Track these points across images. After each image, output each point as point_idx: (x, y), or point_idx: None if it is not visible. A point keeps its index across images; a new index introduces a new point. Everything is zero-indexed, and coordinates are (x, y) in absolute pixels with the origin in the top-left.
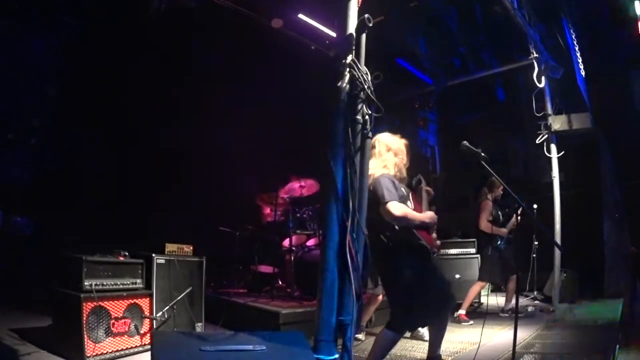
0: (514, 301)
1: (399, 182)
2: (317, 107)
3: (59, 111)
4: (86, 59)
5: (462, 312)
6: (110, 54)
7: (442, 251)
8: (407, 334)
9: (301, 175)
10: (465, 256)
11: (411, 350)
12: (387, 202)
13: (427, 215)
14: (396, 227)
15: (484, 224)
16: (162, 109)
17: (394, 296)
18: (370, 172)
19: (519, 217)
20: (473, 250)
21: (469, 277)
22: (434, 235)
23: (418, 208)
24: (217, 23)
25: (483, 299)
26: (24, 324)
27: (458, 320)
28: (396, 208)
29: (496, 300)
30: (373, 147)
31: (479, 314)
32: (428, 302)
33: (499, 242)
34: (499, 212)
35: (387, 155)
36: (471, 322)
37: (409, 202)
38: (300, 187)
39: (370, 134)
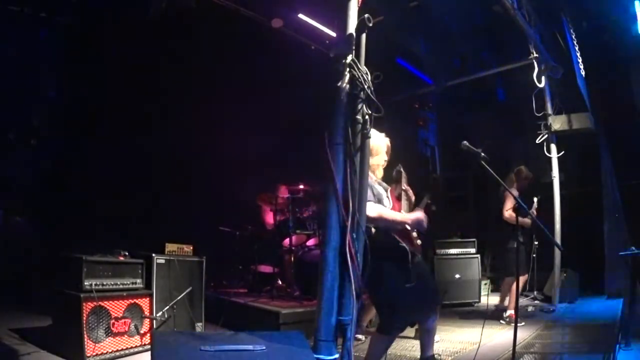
0: (490, 301)
1: (375, 181)
2: (318, 107)
3: (59, 111)
4: (87, 59)
5: (510, 312)
6: (111, 53)
7: (442, 251)
8: (411, 334)
9: (289, 182)
10: (465, 256)
11: (411, 350)
12: None
13: (411, 217)
14: (372, 229)
15: (508, 214)
16: (163, 109)
17: (378, 299)
18: None
19: (535, 211)
20: (473, 250)
21: (469, 277)
22: (415, 234)
23: (397, 206)
24: (217, 23)
25: (483, 299)
26: (24, 324)
27: (509, 321)
28: (371, 209)
29: (496, 300)
30: None
31: (479, 314)
32: (411, 304)
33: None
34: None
35: None
36: (522, 322)
37: (386, 201)
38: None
39: (370, 134)
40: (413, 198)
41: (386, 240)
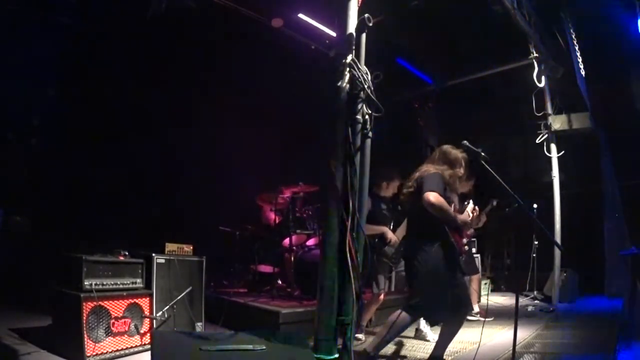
0: (491, 301)
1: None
2: (318, 107)
3: (59, 111)
4: (87, 59)
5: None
6: (111, 53)
7: None
8: (411, 334)
9: (289, 182)
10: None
11: (411, 350)
12: (428, 191)
13: (461, 217)
14: (433, 221)
15: None
16: (163, 109)
17: (419, 282)
18: (424, 168)
19: (486, 212)
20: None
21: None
22: (464, 240)
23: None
24: (218, 23)
25: (483, 299)
26: (24, 324)
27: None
28: (434, 196)
29: (496, 300)
30: (434, 153)
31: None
32: (451, 299)
33: None
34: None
35: (443, 166)
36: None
37: (452, 206)
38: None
39: (370, 134)
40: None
41: (440, 233)
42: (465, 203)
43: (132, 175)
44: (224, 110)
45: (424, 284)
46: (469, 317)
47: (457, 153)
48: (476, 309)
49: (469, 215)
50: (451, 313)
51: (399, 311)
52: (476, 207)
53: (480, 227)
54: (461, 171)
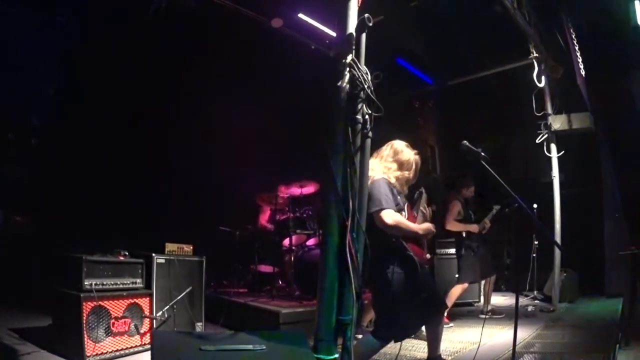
0: (492, 301)
1: (397, 192)
2: (317, 107)
3: (59, 111)
4: (86, 59)
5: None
6: (110, 53)
7: (442, 251)
8: None
9: (289, 182)
10: None
11: (411, 350)
12: (381, 209)
13: (422, 227)
14: (387, 234)
15: (449, 224)
16: (162, 109)
17: (380, 304)
18: (370, 173)
19: (489, 219)
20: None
21: None
22: (425, 249)
23: (412, 220)
24: (217, 23)
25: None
26: (24, 324)
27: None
28: (389, 216)
29: (496, 300)
30: (384, 148)
31: (479, 313)
32: (412, 314)
33: (468, 241)
34: (470, 212)
35: (392, 165)
36: (451, 324)
37: (403, 213)
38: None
39: (370, 134)
40: (430, 217)
41: (396, 247)
42: (418, 192)
43: (132, 175)
44: (224, 109)
45: (384, 303)
46: (481, 316)
47: (409, 155)
48: (487, 307)
49: (425, 208)
50: (417, 324)
51: (367, 337)
52: (426, 206)
53: (485, 232)
54: (410, 175)
